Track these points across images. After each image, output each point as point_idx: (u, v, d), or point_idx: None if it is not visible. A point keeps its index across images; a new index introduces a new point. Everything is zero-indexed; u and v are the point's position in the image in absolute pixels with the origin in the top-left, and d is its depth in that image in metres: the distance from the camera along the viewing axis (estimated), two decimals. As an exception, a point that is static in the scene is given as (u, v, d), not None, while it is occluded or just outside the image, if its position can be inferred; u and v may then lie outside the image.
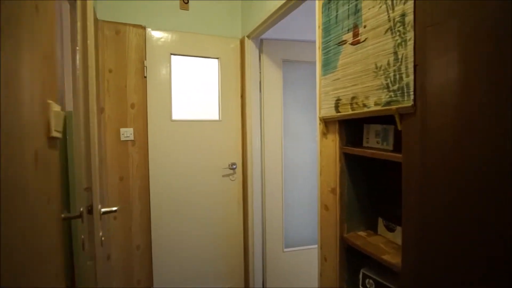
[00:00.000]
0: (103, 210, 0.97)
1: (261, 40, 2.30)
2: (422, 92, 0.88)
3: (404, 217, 0.96)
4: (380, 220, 1.29)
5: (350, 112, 1.16)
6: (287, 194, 2.42)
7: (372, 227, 1.34)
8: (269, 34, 2.22)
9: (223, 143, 2.28)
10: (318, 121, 1.38)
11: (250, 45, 2.25)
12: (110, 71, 1.98)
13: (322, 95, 1.32)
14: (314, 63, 2.51)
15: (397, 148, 1.12)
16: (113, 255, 2.00)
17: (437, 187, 0.83)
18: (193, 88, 2.23)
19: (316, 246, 2.58)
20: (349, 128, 1.28)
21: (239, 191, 2.36)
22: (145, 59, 2.06)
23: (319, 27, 1.35)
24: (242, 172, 2.36)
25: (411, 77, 0.91)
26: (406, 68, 0.93)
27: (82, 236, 0.88)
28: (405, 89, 0.93)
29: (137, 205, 2.06)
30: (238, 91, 2.33)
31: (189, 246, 2.19)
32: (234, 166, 2.30)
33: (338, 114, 1.22)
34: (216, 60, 2.27)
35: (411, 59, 0.91)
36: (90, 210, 0.88)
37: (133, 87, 2.05)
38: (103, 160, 1.89)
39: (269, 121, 2.32)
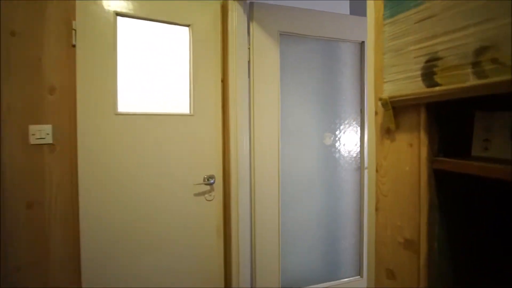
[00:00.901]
0: None
1: (251, 3, 1.64)
2: None
3: None
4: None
5: (476, 81, 0.52)
6: (285, 216, 1.76)
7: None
8: (262, -5, 1.58)
9: (196, 148, 1.60)
10: (371, 106, 0.74)
11: (235, 10, 1.58)
12: (13, 33, 1.24)
13: (386, 56, 0.68)
14: (325, 39, 1.85)
15: None
16: (16, 328, 1.24)
17: None
18: (151, 68, 1.53)
19: (326, 285, 1.96)
20: (444, 121, 0.65)
21: (219, 215, 1.68)
22: (74, 20, 1.34)
23: None
24: (223, 188, 1.68)
25: None
26: None
27: None
28: None
29: (57, 246, 1.32)
30: (218, 74, 1.65)
31: (144, 301, 1.47)
32: (212, 181, 1.61)
33: (435, 90, 0.58)
34: (187, 28, 1.59)
35: None
36: None
37: (53, 61, 1.31)
38: (-5, 177, 1.14)
39: (261, 117, 1.67)
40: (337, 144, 1.85)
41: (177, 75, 1.58)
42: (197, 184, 1.59)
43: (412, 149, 0.65)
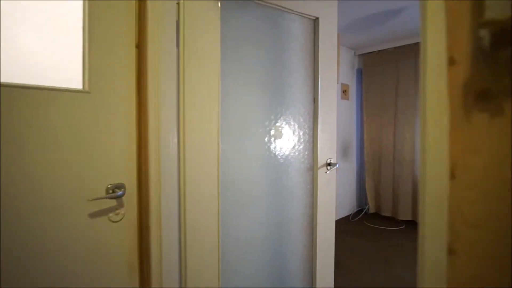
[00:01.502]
0: None
1: None
2: None
3: None
4: None
5: None
6: (227, 236, 1.34)
7: None
8: None
9: (94, 143, 1.05)
10: (438, 50, 0.38)
11: None
12: None
13: None
14: (274, 7, 1.26)
15: None
16: None
17: None
18: (20, 13, 0.92)
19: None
20: None
21: (132, 241, 1.15)
22: None
23: None
24: (137, 202, 1.16)
25: None
26: None
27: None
28: None
29: None
30: (131, 36, 1.13)
31: None
32: (120, 192, 1.08)
33: None
34: (78, -42, 1.03)
35: None
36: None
37: None
38: None
39: (195, 100, 1.21)
40: (287, 139, 1.51)
41: (64, 29, 1.00)
42: (94, 200, 1.04)
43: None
